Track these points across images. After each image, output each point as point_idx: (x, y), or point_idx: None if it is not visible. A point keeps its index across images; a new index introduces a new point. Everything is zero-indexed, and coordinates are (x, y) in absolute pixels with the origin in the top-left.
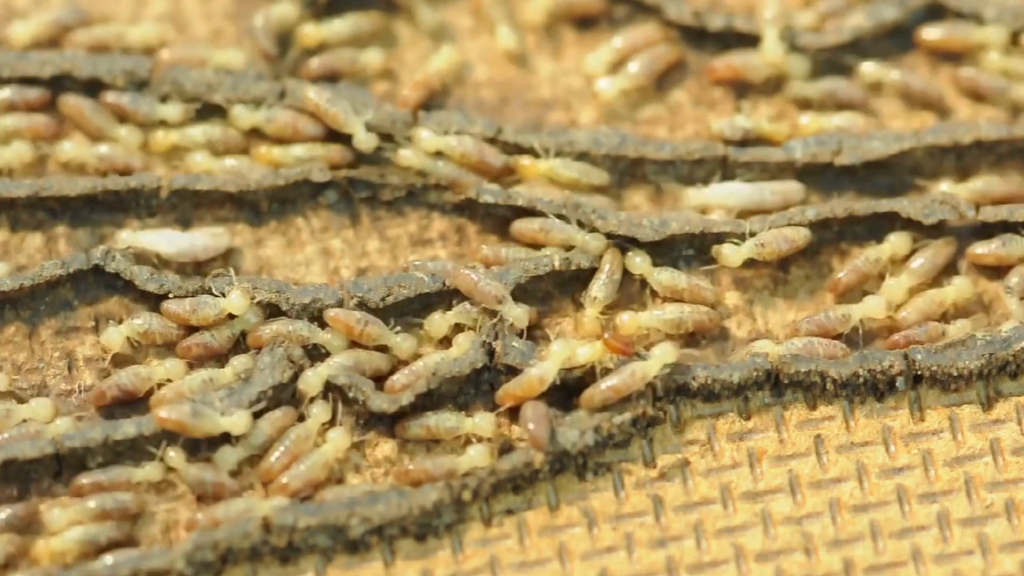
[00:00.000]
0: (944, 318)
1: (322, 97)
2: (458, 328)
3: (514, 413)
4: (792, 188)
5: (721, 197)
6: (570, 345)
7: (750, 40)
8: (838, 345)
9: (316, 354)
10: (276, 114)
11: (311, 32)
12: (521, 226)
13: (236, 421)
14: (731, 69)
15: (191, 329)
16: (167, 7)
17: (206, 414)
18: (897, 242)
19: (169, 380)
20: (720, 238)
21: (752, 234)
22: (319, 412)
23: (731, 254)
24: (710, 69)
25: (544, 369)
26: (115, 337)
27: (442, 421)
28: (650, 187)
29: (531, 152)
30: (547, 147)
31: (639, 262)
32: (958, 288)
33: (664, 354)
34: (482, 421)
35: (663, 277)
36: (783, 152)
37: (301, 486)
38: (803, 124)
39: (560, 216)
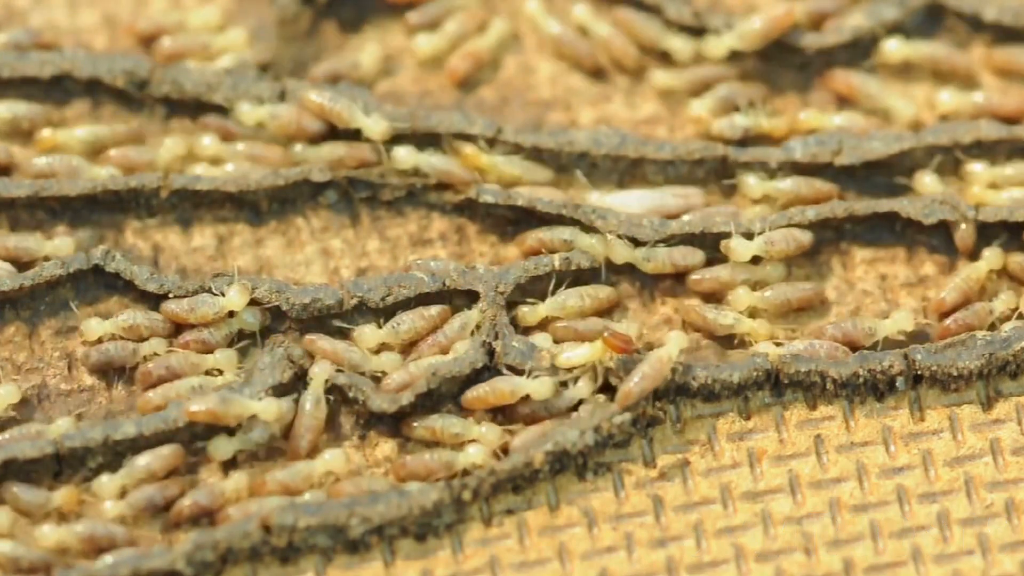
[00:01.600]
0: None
1: (324, 96)
2: (385, 346)
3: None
4: (692, 192)
5: (623, 205)
6: (553, 383)
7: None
8: (839, 347)
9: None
10: (280, 111)
11: (47, 136)
12: None
13: (267, 407)
14: (848, 87)
15: (179, 323)
16: (167, 6)
17: (235, 399)
18: (992, 257)
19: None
20: (720, 238)
21: (759, 232)
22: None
23: (739, 247)
24: (828, 77)
25: (516, 384)
26: (95, 328)
27: (448, 425)
28: (650, 187)
29: (475, 142)
30: (487, 138)
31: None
32: (988, 260)
33: (677, 337)
34: (489, 432)
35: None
36: (783, 152)
37: (276, 489)
38: (802, 119)
39: (560, 217)
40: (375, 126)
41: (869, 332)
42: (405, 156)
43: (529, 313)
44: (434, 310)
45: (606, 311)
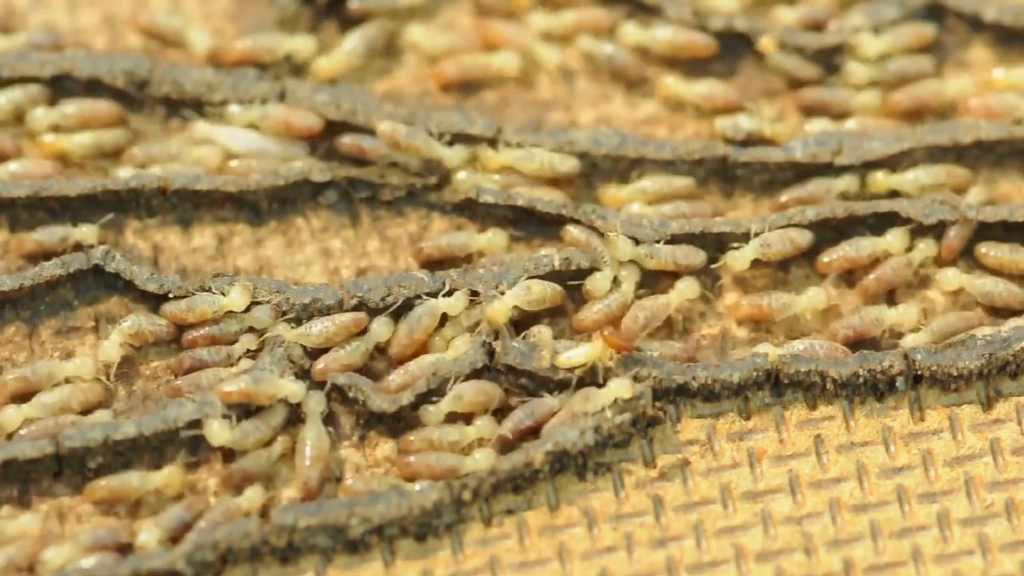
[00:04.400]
0: None
1: (400, 131)
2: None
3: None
4: (297, 148)
5: (224, 138)
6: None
7: (750, 40)
8: (839, 347)
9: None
10: (270, 110)
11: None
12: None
13: (296, 389)
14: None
15: (183, 327)
16: (167, 7)
17: (266, 379)
18: (894, 239)
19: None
20: (720, 238)
21: (755, 234)
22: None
23: (738, 258)
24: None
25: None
26: (111, 350)
27: (445, 434)
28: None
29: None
30: (488, 138)
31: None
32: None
33: (690, 284)
34: (484, 425)
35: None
36: (783, 152)
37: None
38: (997, 78)
39: (560, 217)
40: (454, 156)
41: (876, 322)
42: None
43: (499, 306)
44: (347, 317)
45: (555, 308)
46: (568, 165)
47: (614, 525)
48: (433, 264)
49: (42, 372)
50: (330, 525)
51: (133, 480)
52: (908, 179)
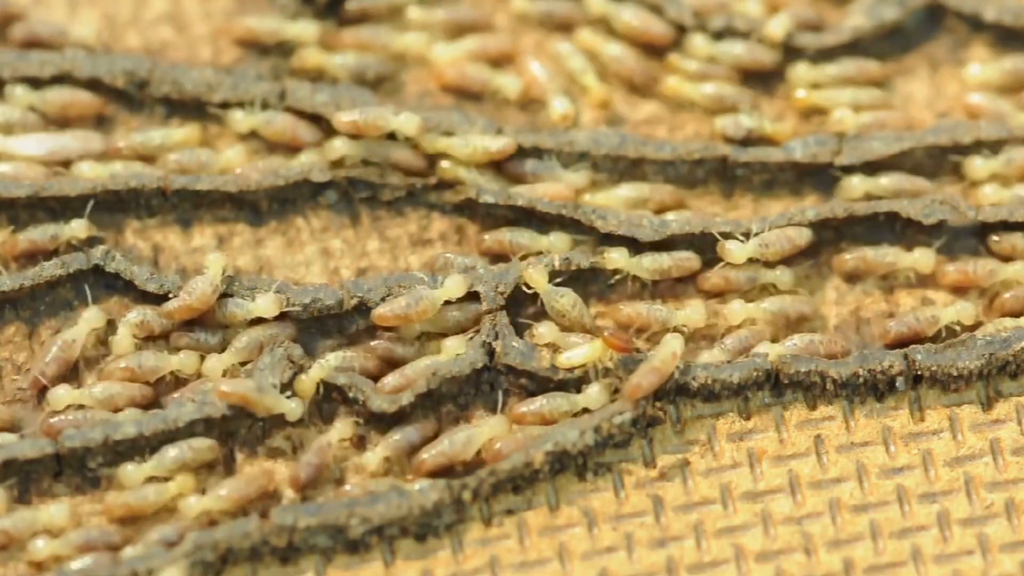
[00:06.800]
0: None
1: (354, 114)
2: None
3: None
4: (92, 136)
5: (18, 148)
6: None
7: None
8: (838, 342)
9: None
10: (275, 118)
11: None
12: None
13: (295, 408)
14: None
15: (185, 321)
16: (167, 7)
17: (271, 392)
18: (921, 258)
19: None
20: (721, 238)
21: (756, 234)
22: (342, 428)
23: (736, 250)
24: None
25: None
26: (123, 339)
27: (555, 405)
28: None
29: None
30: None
31: (616, 257)
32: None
33: (676, 337)
34: (595, 394)
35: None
36: (783, 152)
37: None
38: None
39: (560, 217)
40: (407, 123)
41: (932, 320)
42: (241, 119)
43: (537, 272)
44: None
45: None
46: (499, 143)
47: (614, 525)
48: (492, 256)
49: None
50: (330, 525)
51: (150, 494)
52: (616, 195)
